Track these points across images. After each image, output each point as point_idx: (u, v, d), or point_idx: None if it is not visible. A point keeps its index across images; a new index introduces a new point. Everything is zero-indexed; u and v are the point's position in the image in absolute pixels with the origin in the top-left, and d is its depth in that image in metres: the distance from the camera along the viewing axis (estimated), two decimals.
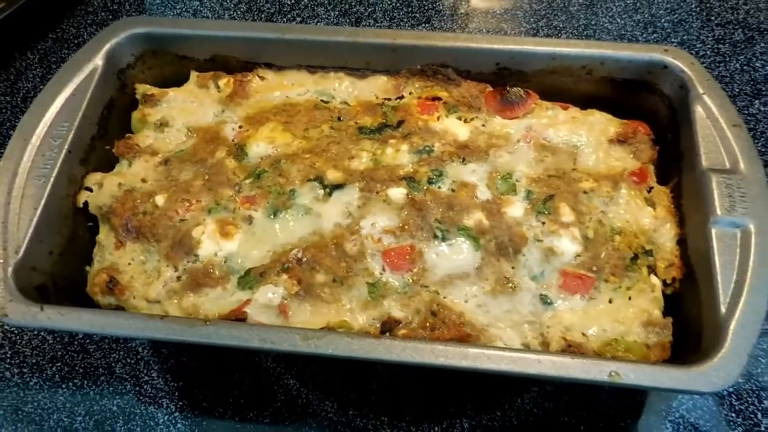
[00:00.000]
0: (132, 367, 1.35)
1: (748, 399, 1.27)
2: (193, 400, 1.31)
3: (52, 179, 1.21)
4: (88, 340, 1.38)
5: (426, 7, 1.93)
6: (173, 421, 1.29)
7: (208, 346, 1.05)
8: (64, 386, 1.33)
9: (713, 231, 1.10)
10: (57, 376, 1.34)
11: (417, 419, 1.28)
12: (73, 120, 1.28)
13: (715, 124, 1.21)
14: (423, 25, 1.89)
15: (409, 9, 1.93)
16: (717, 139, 1.19)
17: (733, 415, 1.26)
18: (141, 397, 1.31)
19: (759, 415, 1.26)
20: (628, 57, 1.32)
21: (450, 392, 1.30)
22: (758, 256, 1.06)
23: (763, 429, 1.24)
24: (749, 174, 1.15)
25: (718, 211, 1.11)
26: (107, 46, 1.37)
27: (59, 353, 1.37)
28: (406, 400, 1.30)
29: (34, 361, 1.36)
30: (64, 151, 1.24)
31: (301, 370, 1.33)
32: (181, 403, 1.31)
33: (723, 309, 1.03)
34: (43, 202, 1.19)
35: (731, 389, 1.28)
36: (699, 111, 1.23)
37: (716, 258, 1.08)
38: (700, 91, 1.24)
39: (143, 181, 1.31)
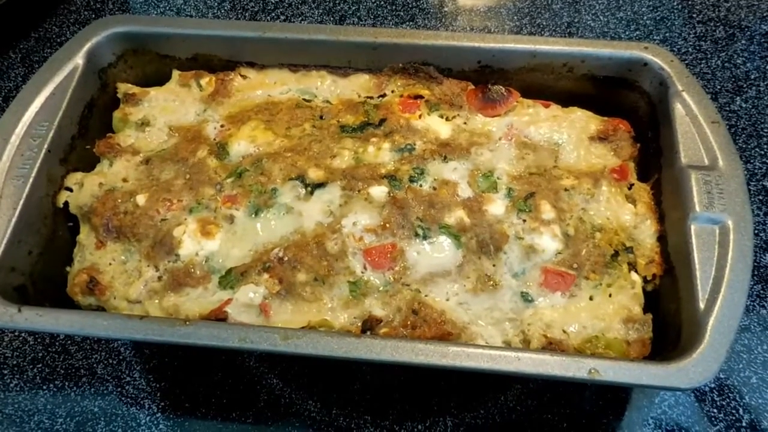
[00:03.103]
0: (114, 367, 1.34)
1: (730, 395, 1.28)
2: (176, 401, 1.30)
3: (31, 179, 1.20)
4: (69, 341, 1.37)
5: (410, 5, 1.93)
6: (155, 422, 1.28)
7: (189, 346, 1.05)
8: (45, 387, 1.32)
9: (692, 227, 1.11)
10: (38, 377, 1.33)
11: (400, 418, 1.28)
12: (53, 119, 1.27)
13: (694, 121, 1.21)
14: (407, 23, 1.89)
15: (393, 7, 1.93)
16: (696, 136, 1.20)
17: (715, 410, 1.27)
18: (123, 398, 1.31)
19: (740, 411, 1.26)
20: (609, 54, 1.32)
21: (433, 390, 1.30)
22: (736, 252, 1.07)
23: (744, 424, 1.25)
24: (727, 170, 1.15)
25: (697, 208, 1.12)
26: (88, 45, 1.36)
27: (40, 354, 1.36)
28: (390, 399, 1.30)
29: (14, 362, 1.35)
30: (43, 151, 1.23)
31: (284, 370, 1.33)
32: (163, 403, 1.30)
33: (702, 305, 1.04)
34: (22, 202, 1.18)
35: (713, 385, 1.29)
36: (678, 108, 1.23)
37: (695, 254, 1.08)
38: (680, 88, 1.25)
39: (124, 180, 1.30)
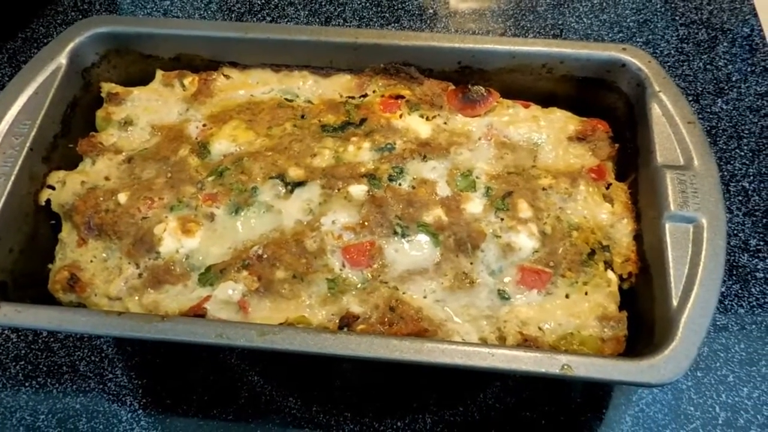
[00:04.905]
0: (96, 365, 1.35)
1: (707, 392, 1.29)
2: (157, 398, 1.31)
3: (12, 177, 1.21)
4: (52, 339, 1.38)
5: (395, 7, 1.94)
6: (136, 419, 1.29)
7: (167, 342, 1.06)
8: (27, 384, 1.33)
9: (667, 226, 1.12)
10: (20, 374, 1.34)
11: (380, 415, 1.29)
12: (35, 118, 1.27)
13: (670, 121, 1.22)
14: (392, 24, 1.90)
15: (379, 9, 1.94)
16: (672, 136, 1.21)
17: (692, 408, 1.28)
18: (104, 395, 1.32)
19: (717, 408, 1.27)
20: (587, 55, 1.33)
21: (413, 388, 1.31)
22: (709, 250, 1.08)
23: (720, 422, 1.26)
24: (702, 170, 1.16)
25: (672, 207, 1.13)
26: (71, 45, 1.37)
27: (23, 351, 1.36)
28: (370, 396, 1.31)
29: None
30: (25, 150, 1.24)
31: (265, 367, 1.34)
32: (144, 400, 1.31)
33: (675, 303, 1.05)
34: (3, 200, 1.18)
35: (690, 383, 1.30)
36: (655, 108, 1.24)
37: (669, 253, 1.09)
38: (657, 88, 1.26)
39: (106, 179, 1.31)
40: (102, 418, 1.29)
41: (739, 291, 1.41)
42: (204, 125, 1.36)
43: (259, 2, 1.96)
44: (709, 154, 1.19)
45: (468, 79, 1.38)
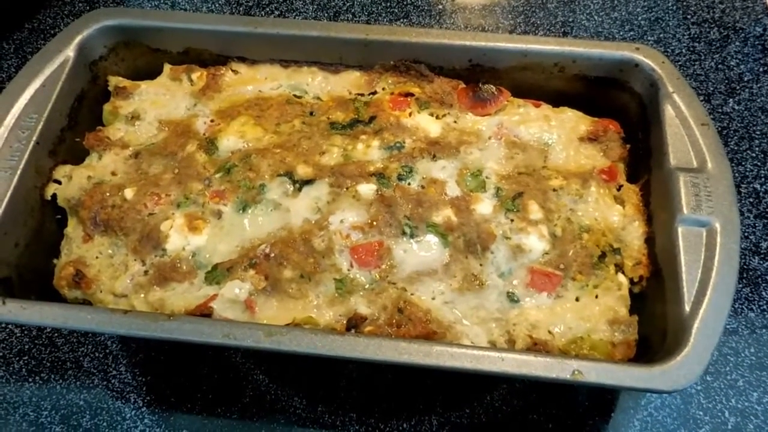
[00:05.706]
0: (100, 361, 1.34)
1: (716, 397, 1.28)
2: (161, 395, 1.30)
3: (19, 171, 1.20)
4: (56, 334, 1.37)
5: (404, 3, 1.92)
6: (140, 416, 1.28)
7: (173, 341, 1.05)
8: (30, 380, 1.32)
9: (679, 229, 1.11)
10: (24, 369, 1.33)
11: (386, 416, 1.28)
12: (42, 111, 1.26)
13: (683, 123, 1.21)
14: (401, 20, 1.88)
15: (388, 4, 1.92)
16: (685, 138, 1.19)
17: (701, 413, 1.26)
18: (108, 392, 1.31)
19: (726, 413, 1.26)
20: (600, 55, 1.32)
21: (419, 389, 1.30)
22: (723, 254, 1.07)
23: (730, 427, 1.25)
24: (716, 173, 1.15)
25: (685, 210, 1.11)
26: (78, 38, 1.35)
27: (27, 347, 1.36)
28: (376, 397, 1.30)
29: (0, 354, 1.35)
30: (32, 143, 1.23)
31: (271, 366, 1.33)
32: (148, 397, 1.30)
33: (687, 308, 1.04)
34: (9, 193, 1.18)
35: (699, 387, 1.29)
36: (668, 109, 1.23)
37: (682, 256, 1.08)
38: (670, 89, 1.24)
39: (113, 174, 1.30)
40: (106, 414, 1.28)
41: (750, 294, 1.40)
42: (212, 121, 1.35)
43: None
44: (722, 156, 1.17)
45: (479, 77, 1.37)
